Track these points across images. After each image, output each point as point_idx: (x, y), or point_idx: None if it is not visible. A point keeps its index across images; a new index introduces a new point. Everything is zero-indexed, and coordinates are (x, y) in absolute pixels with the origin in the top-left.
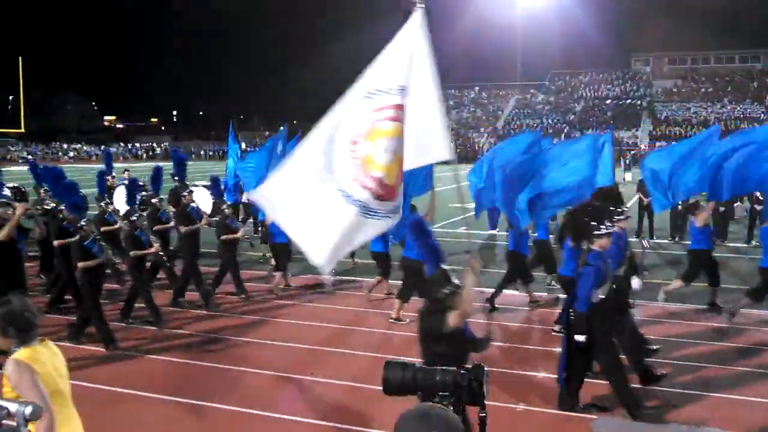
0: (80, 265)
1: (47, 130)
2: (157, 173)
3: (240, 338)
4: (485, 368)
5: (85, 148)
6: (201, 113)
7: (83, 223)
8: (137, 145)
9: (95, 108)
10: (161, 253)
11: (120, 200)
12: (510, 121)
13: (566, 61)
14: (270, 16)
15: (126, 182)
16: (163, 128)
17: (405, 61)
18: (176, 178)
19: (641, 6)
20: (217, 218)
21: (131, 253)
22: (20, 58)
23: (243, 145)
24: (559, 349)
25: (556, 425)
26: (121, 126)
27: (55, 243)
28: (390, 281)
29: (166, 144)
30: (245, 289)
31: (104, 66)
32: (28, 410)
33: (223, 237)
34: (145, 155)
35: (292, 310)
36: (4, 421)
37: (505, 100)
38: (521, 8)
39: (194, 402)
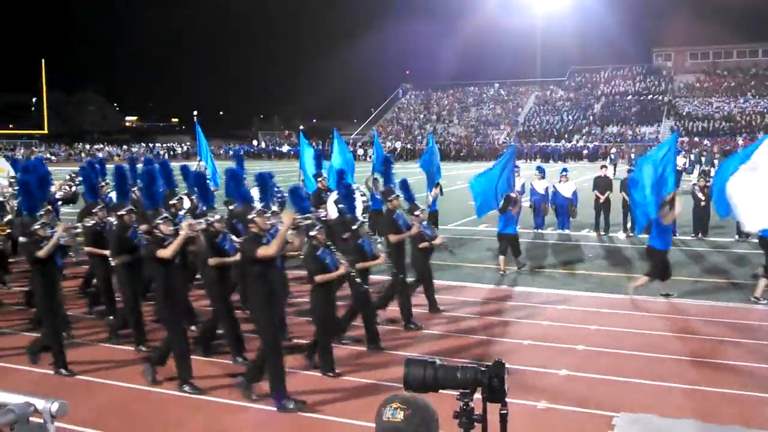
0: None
1: (69, 131)
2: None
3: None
4: (506, 365)
5: (107, 148)
6: (221, 113)
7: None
8: (158, 145)
9: (117, 109)
10: (393, 267)
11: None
12: (530, 117)
13: (586, 56)
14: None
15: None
16: (183, 128)
17: None
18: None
19: (662, 0)
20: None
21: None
22: (43, 60)
23: (263, 144)
24: (580, 347)
25: (577, 422)
26: (142, 126)
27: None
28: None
29: (188, 144)
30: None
31: (125, 67)
32: (55, 406)
33: (420, 245)
34: (166, 155)
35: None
36: (30, 418)
37: (525, 97)
38: (541, 4)
39: None
